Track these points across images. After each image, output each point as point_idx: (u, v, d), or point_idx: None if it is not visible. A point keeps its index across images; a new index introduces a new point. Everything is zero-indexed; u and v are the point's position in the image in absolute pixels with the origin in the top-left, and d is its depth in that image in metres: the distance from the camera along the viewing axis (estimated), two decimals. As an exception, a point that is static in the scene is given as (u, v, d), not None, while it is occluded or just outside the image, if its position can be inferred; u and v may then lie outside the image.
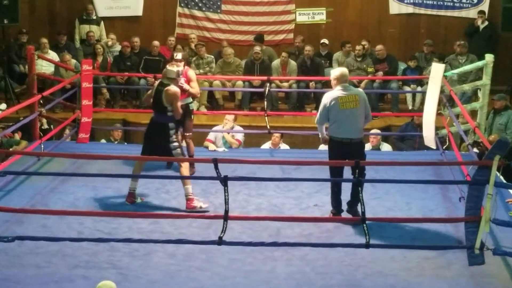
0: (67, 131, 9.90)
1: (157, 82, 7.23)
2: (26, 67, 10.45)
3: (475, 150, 8.28)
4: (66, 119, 9.64)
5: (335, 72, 6.84)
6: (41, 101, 8.98)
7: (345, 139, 6.62)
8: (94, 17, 12.83)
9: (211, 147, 9.13)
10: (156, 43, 11.88)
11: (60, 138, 9.60)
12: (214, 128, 9.52)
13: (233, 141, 9.32)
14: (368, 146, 9.62)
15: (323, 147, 9.69)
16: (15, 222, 6.49)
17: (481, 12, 12.42)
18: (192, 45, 12.37)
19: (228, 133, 9.33)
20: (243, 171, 7.46)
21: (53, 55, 11.90)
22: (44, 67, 11.63)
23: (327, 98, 6.71)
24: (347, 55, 12.02)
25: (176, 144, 7.05)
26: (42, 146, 8.40)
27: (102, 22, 12.88)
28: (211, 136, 9.33)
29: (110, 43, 12.48)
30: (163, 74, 7.20)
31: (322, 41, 12.41)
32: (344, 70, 6.93)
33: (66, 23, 13.15)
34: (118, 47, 12.41)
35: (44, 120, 10.11)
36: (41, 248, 5.96)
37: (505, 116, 9.68)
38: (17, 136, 9.41)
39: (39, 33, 12.60)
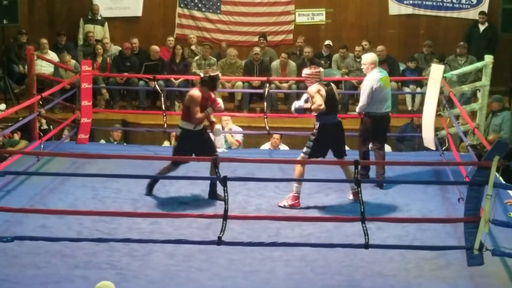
0: (66, 132, 9.90)
1: (322, 89, 6.95)
2: (26, 67, 10.46)
3: (473, 151, 8.30)
4: (66, 120, 9.64)
5: (372, 57, 7.67)
6: (40, 102, 8.98)
7: (384, 113, 7.60)
8: (99, 18, 12.83)
9: (211, 147, 9.12)
10: (156, 48, 11.82)
11: (59, 138, 9.61)
12: (213, 129, 9.51)
13: (233, 141, 9.34)
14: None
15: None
16: (15, 222, 6.49)
17: (482, 13, 12.43)
18: (192, 46, 12.38)
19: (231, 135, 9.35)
20: (243, 172, 7.48)
21: (52, 55, 11.90)
22: (44, 68, 11.63)
23: (373, 80, 7.50)
24: (344, 58, 12.04)
25: None
26: (42, 146, 8.41)
27: (106, 23, 12.87)
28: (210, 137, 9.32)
29: (107, 45, 12.42)
30: (320, 76, 7.03)
31: (326, 42, 12.41)
32: (375, 54, 7.93)
33: (66, 24, 13.16)
34: (114, 49, 12.40)
35: (44, 121, 10.11)
36: (41, 248, 5.95)
37: (500, 117, 9.69)
38: (17, 136, 9.41)
39: (38, 34, 12.61)
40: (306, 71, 7.11)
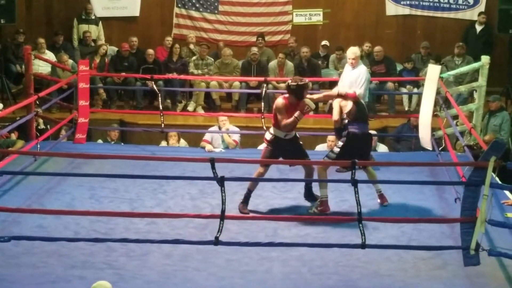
0: (63, 132, 9.90)
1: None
2: (23, 67, 10.45)
3: (469, 151, 8.31)
4: (63, 120, 9.65)
5: (358, 50, 7.98)
6: (37, 101, 8.97)
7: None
8: (93, 17, 12.83)
9: (208, 147, 9.14)
10: (151, 51, 11.79)
11: (56, 138, 9.60)
12: (211, 129, 9.53)
13: (230, 141, 9.34)
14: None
15: (320, 148, 9.74)
16: (12, 222, 6.49)
17: (482, 13, 12.45)
18: (191, 46, 12.38)
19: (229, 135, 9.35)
20: (240, 172, 7.49)
21: (50, 55, 11.88)
22: (41, 67, 11.61)
23: (367, 72, 7.79)
24: (340, 59, 12.04)
25: None
26: (39, 146, 8.40)
27: (100, 22, 12.88)
28: (207, 136, 9.34)
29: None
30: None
31: (323, 43, 12.42)
32: None
33: (63, 23, 13.14)
34: (110, 49, 12.40)
35: (41, 120, 10.10)
36: (38, 248, 5.96)
37: (500, 117, 9.71)
38: (14, 136, 9.40)
39: (36, 33, 12.59)
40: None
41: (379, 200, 7.16)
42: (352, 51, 7.96)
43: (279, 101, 6.89)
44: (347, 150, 6.83)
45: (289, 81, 6.92)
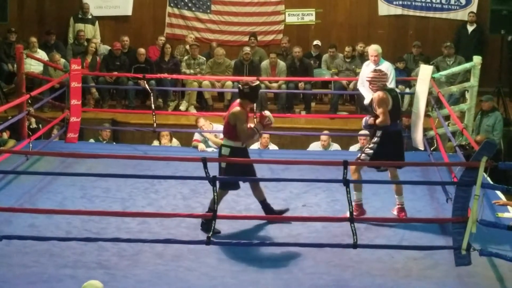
0: (55, 131, 9.87)
1: (388, 97, 6.49)
2: (15, 66, 10.42)
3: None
4: (55, 119, 9.63)
5: (380, 48, 8.14)
6: (29, 101, 8.95)
7: None
8: (90, 16, 12.81)
9: (201, 146, 9.14)
10: (142, 51, 11.76)
11: (48, 137, 9.58)
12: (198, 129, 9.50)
13: (218, 141, 9.32)
14: (357, 146, 9.70)
15: (313, 147, 9.75)
16: (3, 221, 6.47)
17: (471, 13, 12.48)
18: (187, 46, 12.36)
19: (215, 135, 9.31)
20: (232, 171, 7.48)
21: (42, 54, 11.85)
22: (33, 66, 11.56)
23: (392, 67, 8.28)
24: (333, 58, 12.05)
25: None
26: (31, 145, 8.38)
27: (97, 22, 12.85)
28: (198, 136, 9.33)
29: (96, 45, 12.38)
30: (386, 81, 6.67)
31: (314, 42, 12.43)
32: None
33: (55, 22, 13.12)
34: (103, 48, 12.38)
35: (33, 120, 10.09)
36: (29, 248, 5.95)
37: (492, 117, 9.73)
38: (5, 135, 9.38)
39: (28, 32, 12.55)
40: (370, 74, 6.66)
41: (395, 212, 6.83)
42: (374, 48, 8.01)
43: (237, 109, 6.38)
44: (381, 149, 6.54)
45: (240, 85, 6.47)
